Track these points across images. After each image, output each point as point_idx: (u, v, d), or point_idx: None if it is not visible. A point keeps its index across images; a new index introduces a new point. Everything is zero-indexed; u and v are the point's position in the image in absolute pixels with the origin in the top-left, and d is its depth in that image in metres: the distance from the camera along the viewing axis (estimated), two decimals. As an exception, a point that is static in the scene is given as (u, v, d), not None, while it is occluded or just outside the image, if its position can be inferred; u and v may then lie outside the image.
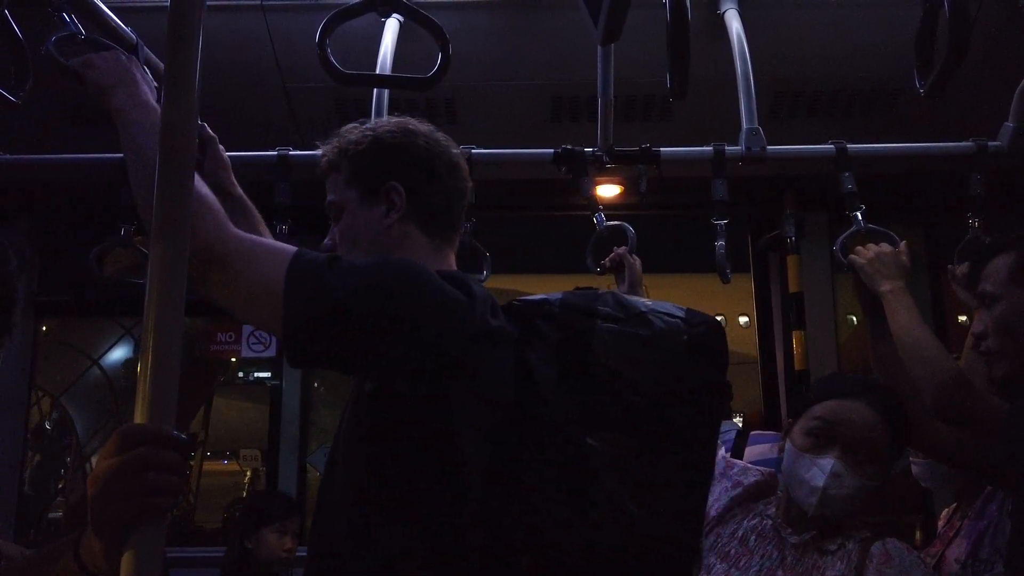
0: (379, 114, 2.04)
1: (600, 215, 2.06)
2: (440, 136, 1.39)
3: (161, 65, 1.97)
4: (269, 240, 1.17)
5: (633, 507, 1.13)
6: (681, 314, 1.28)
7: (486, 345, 1.16)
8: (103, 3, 1.80)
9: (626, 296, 1.29)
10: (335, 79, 1.71)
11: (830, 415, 1.55)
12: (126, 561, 0.81)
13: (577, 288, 1.33)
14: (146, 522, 0.82)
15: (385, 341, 1.10)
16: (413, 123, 1.38)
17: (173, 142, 0.88)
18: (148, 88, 1.34)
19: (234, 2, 2.20)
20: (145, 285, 0.85)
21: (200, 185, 1.13)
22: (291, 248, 1.15)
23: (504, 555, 1.14)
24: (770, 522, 1.63)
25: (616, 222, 2.10)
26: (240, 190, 1.62)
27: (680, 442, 1.19)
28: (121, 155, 2.01)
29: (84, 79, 1.33)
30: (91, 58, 1.34)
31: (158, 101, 1.31)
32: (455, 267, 1.39)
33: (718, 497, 1.69)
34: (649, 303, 1.29)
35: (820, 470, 1.52)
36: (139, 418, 0.82)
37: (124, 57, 1.36)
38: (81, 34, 1.52)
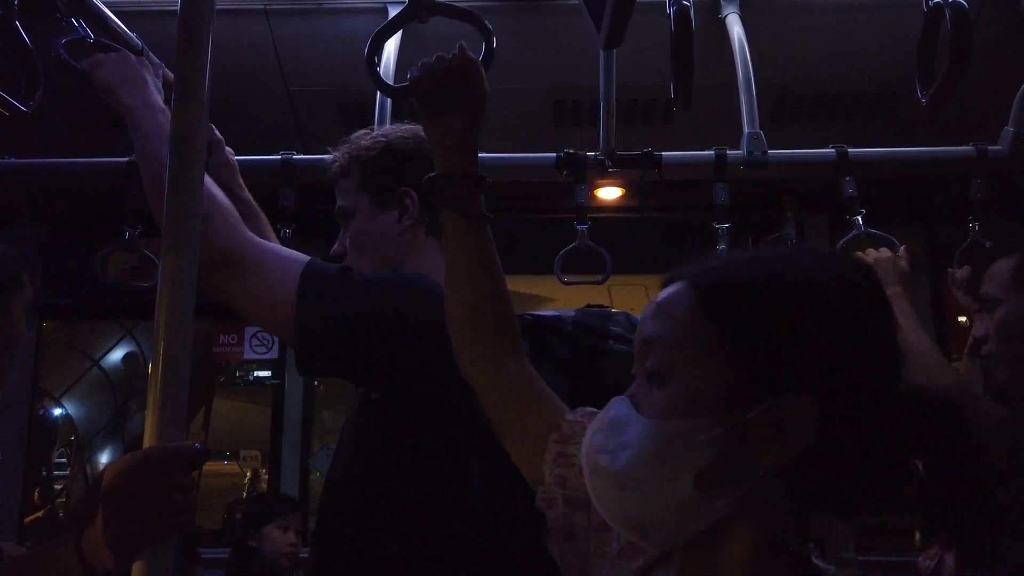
0: (382, 118, 2.05)
1: (582, 227, 2.05)
2: None
3: (167, 72, 1.99)
4: (281, 248, 1.19)
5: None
6: None
7: None
8: (108, 8, 1.81)
9: (638, 317, 1.30)
10: (387, 94, 1.71)
11: None
12: (137, 570, 0.83)
13: (589, 306, 1.33)
14: (160, 540, 0.83)
15: (392, 354, 1.12)
16: (420, 129, 1.38)
17: (183, 151, 0.89)
18: (157, 90, 1.35)
19: (238, 6, 2.20)
20: (147, 288, 0.86)
21: (213, 188, 1.15)
22: (303, 256, 1.16)
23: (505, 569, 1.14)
24: None
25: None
26: (247, 193, 1.63)
27: None
28: (125, 159, 2.03)
29: (93, 79, 1.33)
30: (99, 58, 1.34)
31: (167, 103, 1.33)
32: None
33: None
34: None
35: None
36: (150, 428, 0.83)
37: (133, 58, 1.37)
38: (90, 38, 1.52)
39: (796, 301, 0.70)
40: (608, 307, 1.33)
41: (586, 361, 1.22)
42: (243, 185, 1.63)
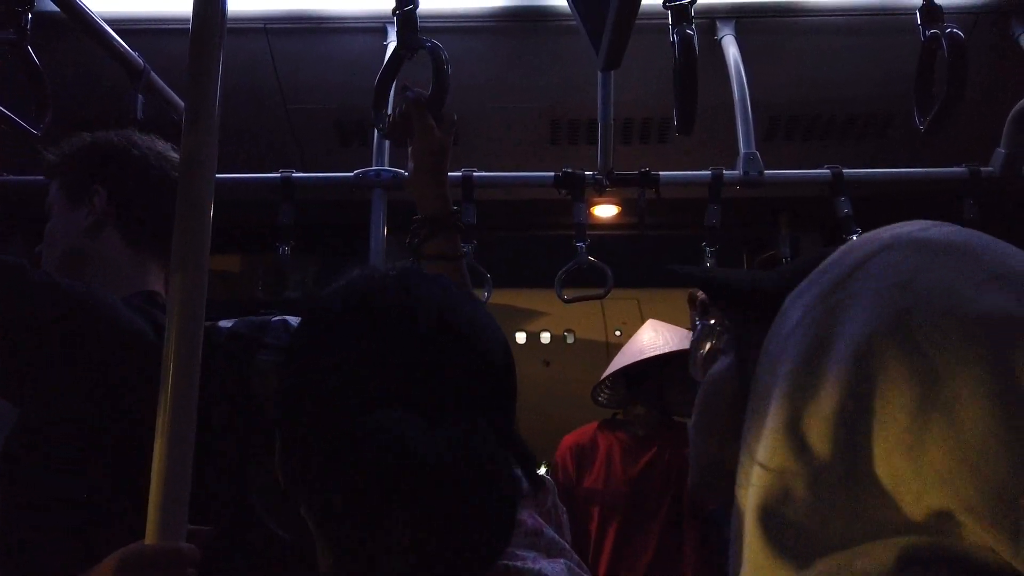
0: (381, 136, 2.06)
1: (581, 244, 2.06)
2: (172, 155, 1.37)
3: (168, 90, 2.00)
4: None
5: (283, 532, 1.10)
6: None
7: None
8: (108, 24, 1.82)
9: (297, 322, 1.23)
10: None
11: None
12: None
13: (260, 312, 1.26)
14: None
15: (44, 376, 1.06)
16: (138, 136, 1.36)
17: (193, 172, 0.90)
18: None
19: (238, 25, 2.22)
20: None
21: None
22: None
23: None
24: None
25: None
26: None
27: None
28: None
29: None
30: None
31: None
32: (159, 284, 1.34)
33: None
34: None
35: None
36: (159, 446, 0.83)
37: None
38: None
39: None
40: (273, 315, 1.25)
41: (238, 377, 1.13)
42: None
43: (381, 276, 0.76)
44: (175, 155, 1.36)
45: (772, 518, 0.47)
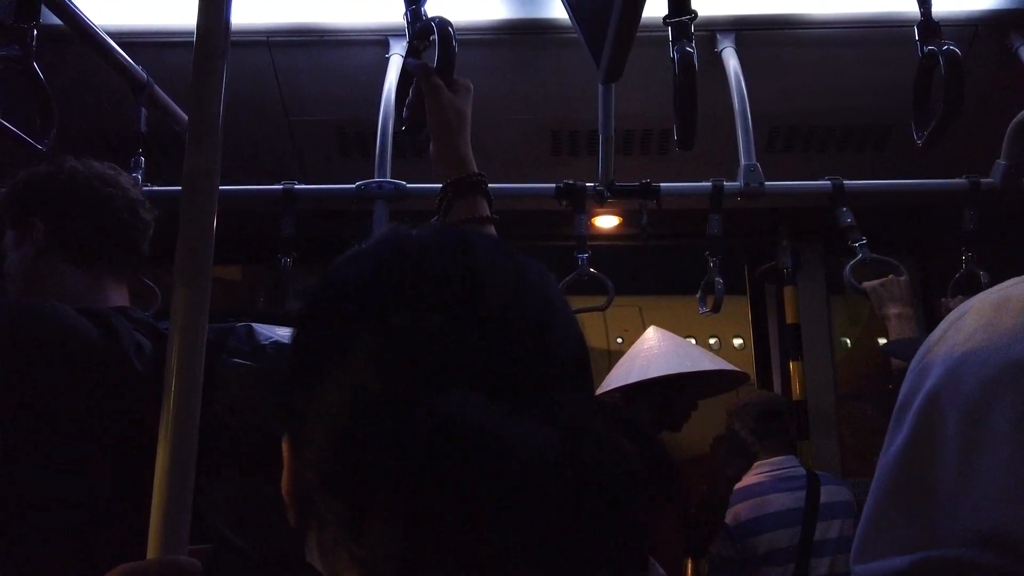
0: (383, 148, 2.07)
1: (583, 256, 2.05)
2: (107, 173, 1.38)
3: (171, 103, 2.01)
4: None
5: (241, 543, 1.12)
6: None
7: (122, 389, 1.11)
8: (112, 37, 1.83)
9: (263, 328, 1.25)
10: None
11: None
12: None
13: (229, 321, 1.27)
14: None
15: None
16: (69, 162, 1.37)
17: (196, 186, 0.90)
18: None
19: (240, 38, 2.23)
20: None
21: None
22: None
23: None
24: None
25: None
26: None
27: None
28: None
29: None
30: None
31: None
32: (122, 300, 1.35)
33: None
34: (282, 333, 1.24)
35: None
36: (161, 460, 0.83)
37: None
38: None
39: None
40: (242, 323, 1.26)
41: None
42: None
43: (433, 234, 0.61)
44: (111, 172, 1.38)
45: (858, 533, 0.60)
